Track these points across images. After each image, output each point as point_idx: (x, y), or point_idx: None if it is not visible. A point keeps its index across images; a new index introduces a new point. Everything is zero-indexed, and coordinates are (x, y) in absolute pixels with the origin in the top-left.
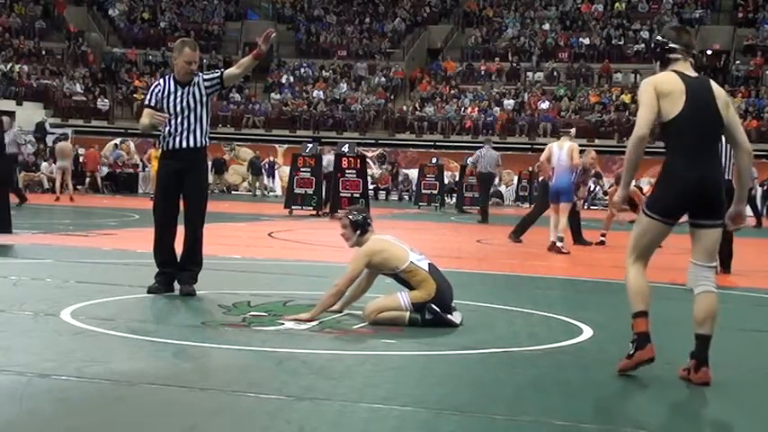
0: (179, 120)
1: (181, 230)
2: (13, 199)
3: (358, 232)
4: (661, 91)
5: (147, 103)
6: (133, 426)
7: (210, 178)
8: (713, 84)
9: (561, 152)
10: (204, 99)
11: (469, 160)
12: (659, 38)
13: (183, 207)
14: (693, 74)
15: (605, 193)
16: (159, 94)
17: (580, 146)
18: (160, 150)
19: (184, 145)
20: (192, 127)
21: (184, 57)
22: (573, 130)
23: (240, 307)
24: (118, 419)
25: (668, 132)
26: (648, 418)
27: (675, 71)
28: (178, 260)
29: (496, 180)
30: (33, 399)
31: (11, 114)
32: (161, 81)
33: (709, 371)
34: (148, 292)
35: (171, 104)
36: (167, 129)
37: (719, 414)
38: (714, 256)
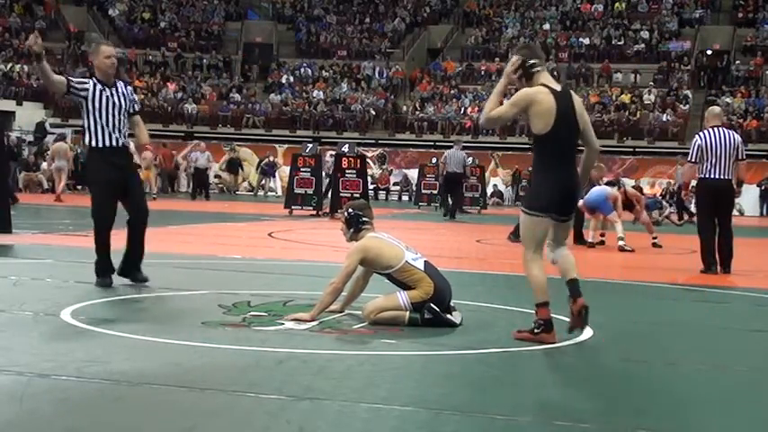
0: (115, 119)
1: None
2: None
3: (352, 229)
4: (536, 110)
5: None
6: (133, 426)
7: (228, 177)
8: (573, 95)
9: (613, 188)
10: (127, 102)
11: (440, 161)
12: (519, 59)
13: (128, 203)
14: (556, 85)
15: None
16: (89, 92)
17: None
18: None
19: (121, 143)
20: (124, 127)
21: (103, 54)
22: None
23: (240, 307)
24: (118, 419)
25: (541, 144)
26: (648, 418)
27: (543, 84)
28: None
29: (502, 180)
30: (33, 399)
31: (11, 114)
32: (89, 82)
33: (583, 299)
34: (103, 285)
35: (103, 103)
36: (99, 125)
37: (720, 414)
38: (564, 241)
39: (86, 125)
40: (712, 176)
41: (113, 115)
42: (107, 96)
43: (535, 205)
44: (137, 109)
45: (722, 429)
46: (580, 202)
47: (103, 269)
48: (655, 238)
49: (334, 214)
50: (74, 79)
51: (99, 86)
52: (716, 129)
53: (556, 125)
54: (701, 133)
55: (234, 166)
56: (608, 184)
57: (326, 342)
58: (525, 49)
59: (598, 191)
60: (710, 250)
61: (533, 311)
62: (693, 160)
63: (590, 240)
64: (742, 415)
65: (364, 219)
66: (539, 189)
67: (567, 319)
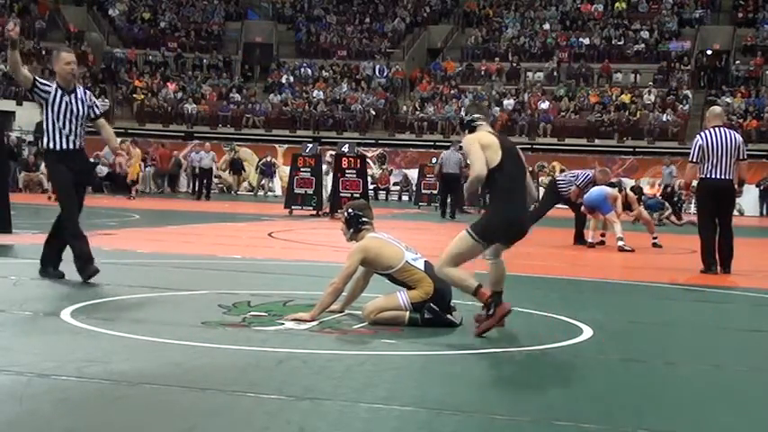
0: (72, 124)
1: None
2: None
3: (351, 229)
4: (483, 144)
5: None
6: (133, 426)
7: (231, 177)
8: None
9: (614, 189)
10: (85, 108)
11: (438, 162)
12: (465, 116)
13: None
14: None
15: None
16: (51, 95)
17: (579, 146)
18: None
19: (78, 146)
20: (81, 132)
21: (63, 60)
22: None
23: (240, 307)
24: (118, 419)
25: (492, 178)
26: (648, 418)
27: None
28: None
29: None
30: (33, 399)
31: (11, 114)
32: (53, 86)
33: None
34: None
35: (62, 108)
36: (56, 129)
37: (720, 414)
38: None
39: (45, 127)
40: (713, 176)
41: (71, 120)
42: (66, 102)
43: (484, 235)
44: (98, 113)
45: (722, 429)
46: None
47: (54, 262)
48: (655, 238)
49: (334, 214)
50: (40, 79)
51: (60, 92)
52: (717, 129)
53: (503, 158)
54: (702, 133)
55: (237, 166)
56: (608, 185)
57: (326, 342)
58: (472, 107)
59: (598, 190)
60: (710, 250)
61: (533, 311)
62: (694, 160)
63: (590, 240)
64: (742, 415)
65: (364, 219)
66: (492, 220)
67: (568, 319)
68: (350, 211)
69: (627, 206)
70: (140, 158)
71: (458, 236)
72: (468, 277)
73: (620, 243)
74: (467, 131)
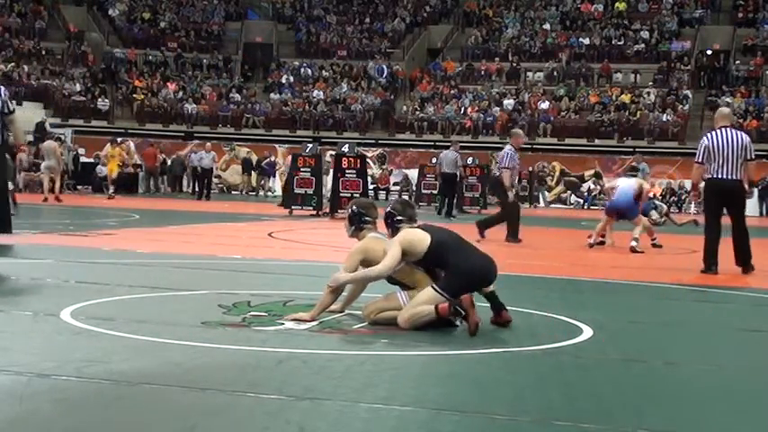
0: None
1: None
2: None
3: (353, 227)
4: (407, 241)
5: None
6: (133, 426)
7: (238, 179)
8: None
9: (629, 181)
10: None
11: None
12: (390, 210)
13: None
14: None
15: (604, 194)
16: None
17: (579, 146)
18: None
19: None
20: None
21: None
22: (639, 174)
23: (240, 307)
24: (118, 419)
25: (430, 259)
26: (648, 418)
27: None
28: None
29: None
30: (33, 399)
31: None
32: None
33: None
34: None
35: None
36: None
37: (720, 414)
38: None
39: None
40: (719, 177)
41: None
42: None
43: (448, 291)
44: (8, 110)
45: (722, 429)
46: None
47: None
48: (654, 238)
49: (335, 214)
50: None
51: None
52: (724, 129)
53: (433, 240)
54: (708, 134)
55: (248, 166)
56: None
57: (326, 342)
58: (399, 205)
59: (626, 192)
60: (712, 251)
61: (533, 311)
62: (699, 161)
63: (590, 242)
64: (742, 415)
65: (367, 218)
66: (453, 279)
67: (568, 319)
68: (354, 208)
69: None
70: (121, 158)
71: (423, 292)
72: (428, 310)
73: (633, 243)
74: (390, 229)
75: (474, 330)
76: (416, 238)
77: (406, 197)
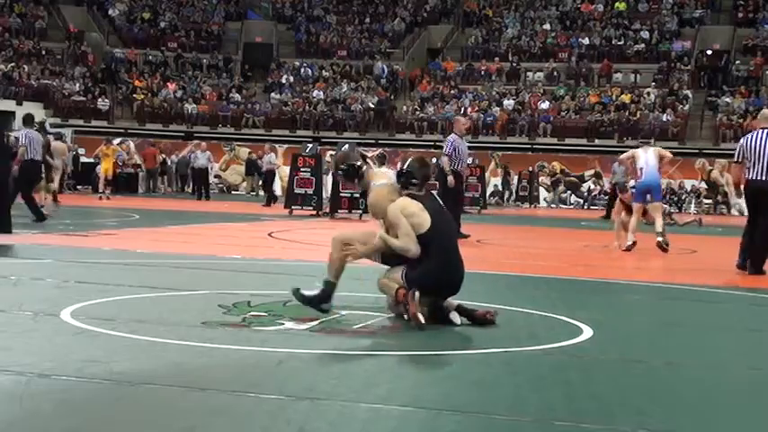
0: None
1: None
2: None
3: (356, 180)
4: (407, 214)
5: None
6: (133, 426)
7: (238, 179)
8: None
9: (647, 154)
10: None
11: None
12: (408, 169)
13: None
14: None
15: (604, 193)
16: None
17: (579, 146)
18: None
19: None
20: None
21: None
22: (652, 140)
23: (240, 307)
24: (118, 419)
25: (425, 241)
26: (648, 418)
27: (408, 194)
28: None
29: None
30: (33, 399)
31: (11, 114)
32: None
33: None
34: None
35: None
36: None
37: (720, 414)
38: None
39: None
40: (752, 177)
41: None
42: None
43: (414, 283)
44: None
45: (722, 429)
46: (629, 191)
47: None
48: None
49: (335, 215)
50: None
51: None
52: (761, 131)
53: (433, 222)
54: (748, 135)
55: (253, 168)
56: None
57: (326, 342)
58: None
59: (652, 167)
60: (745, 250)
61: (533, 311)
62: (737, 160)
63: (628, 244)
64: (742, 415)
65: (359, 164)
66: (425, 276)
67: (568, 319)
68: (343, 168)
69: (628, 208)
70: (114, 158)
71: (398, 271)
72: (394, 289)
73: (660, 239)
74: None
75: (418, 324)
76: (417, 222)
77: None
